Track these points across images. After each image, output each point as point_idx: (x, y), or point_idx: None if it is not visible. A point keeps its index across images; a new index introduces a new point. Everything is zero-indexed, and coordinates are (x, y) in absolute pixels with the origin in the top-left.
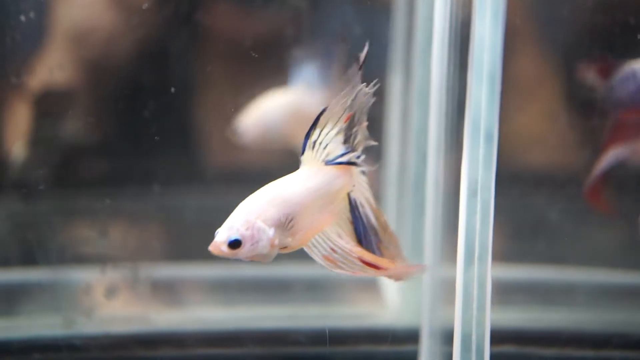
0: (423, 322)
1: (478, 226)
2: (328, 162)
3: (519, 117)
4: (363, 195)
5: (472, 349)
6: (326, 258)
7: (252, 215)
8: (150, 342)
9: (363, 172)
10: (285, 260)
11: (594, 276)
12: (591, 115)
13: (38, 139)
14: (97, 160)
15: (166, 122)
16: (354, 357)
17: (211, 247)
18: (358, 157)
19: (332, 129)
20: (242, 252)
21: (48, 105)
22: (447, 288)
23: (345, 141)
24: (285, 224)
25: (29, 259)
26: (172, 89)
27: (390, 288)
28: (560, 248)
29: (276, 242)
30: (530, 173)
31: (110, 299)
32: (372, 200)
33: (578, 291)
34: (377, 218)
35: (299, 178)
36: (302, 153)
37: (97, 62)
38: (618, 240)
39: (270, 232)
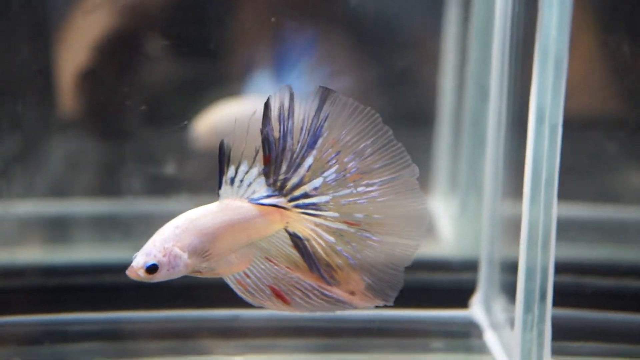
0: (482, 252)
1: (546, 152)
2: (252, 201)
3: None
4: (307, 230)
5: (536, 278)
6: (238, 282)
7: (168, 242)
8: None
9: (309, 211)
10: None
11: None
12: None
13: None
14: (171, 101)
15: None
16: (410, 285)
17: (128, 272)
18: (297, 198)
19: (251, 168)
20: (158, 276)
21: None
22: (507, 222)
23: (272, 184)
24: (201, 252)
25: (105, 191)
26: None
27: (443, 224)
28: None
29: (192, 267)
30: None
31: None
32: (320, 238)
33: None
34: (327, 255)
35: (214, 210)
36: (219, 188)
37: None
38: None
39: (186, 257)
